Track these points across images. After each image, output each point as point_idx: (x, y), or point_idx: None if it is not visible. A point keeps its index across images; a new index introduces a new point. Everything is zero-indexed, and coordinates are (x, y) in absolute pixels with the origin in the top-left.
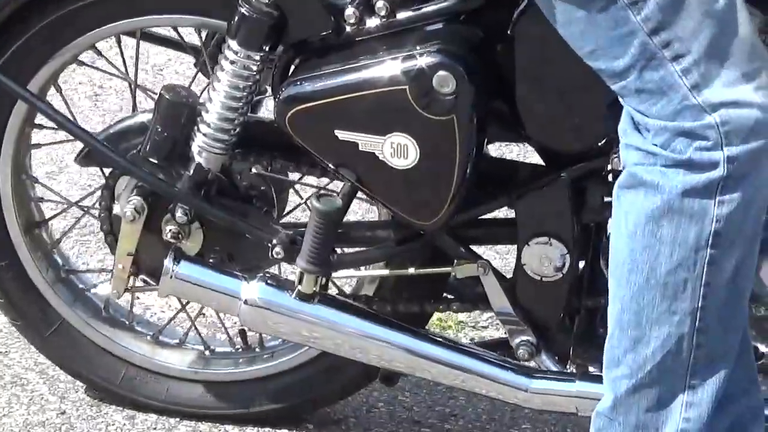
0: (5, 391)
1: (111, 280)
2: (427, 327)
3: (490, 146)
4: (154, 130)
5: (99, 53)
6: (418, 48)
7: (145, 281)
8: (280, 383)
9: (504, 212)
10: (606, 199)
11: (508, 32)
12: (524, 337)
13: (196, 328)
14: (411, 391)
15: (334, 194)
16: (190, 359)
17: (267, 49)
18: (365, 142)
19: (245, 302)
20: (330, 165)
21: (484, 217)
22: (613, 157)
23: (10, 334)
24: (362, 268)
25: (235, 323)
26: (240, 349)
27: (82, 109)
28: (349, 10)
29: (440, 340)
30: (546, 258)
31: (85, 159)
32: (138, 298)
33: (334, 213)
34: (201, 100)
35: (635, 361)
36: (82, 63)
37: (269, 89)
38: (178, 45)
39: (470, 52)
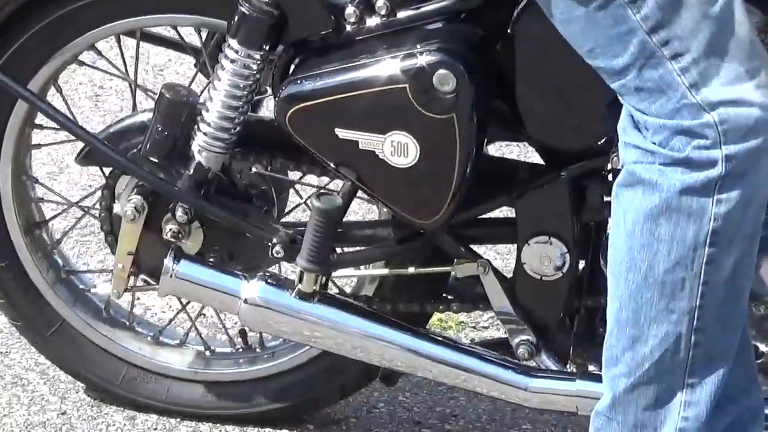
0: (6, 392)
1: (111, 280)
2: (427, 327)
3: (490, 146)
4: (154, 129)
5: (99, 53)
6: (418, 46)
7: (145, 281)
8: (280, 383)
9: (504, 212)
10: (606, 198)
11: (508, 31)
12: (524, 337)
13: (196, 329)
14: (411, 391)
15: (335, 193)
16: (190, 359)
17: (267, 48)
18: (365, 140)
19: (245, 301)
20: (330, 164)
21: (484, 216)
22: (613, 156)
23: (11, 334)
24: (362, 267)
25: (236, 323)
26: (240, 350)
27: (83, 109)
28: (350, 9)
29: (440, 339)
30: (546, 257)
31: (85, 158)
32: (138, 298)
33: (334, 212)
34: (201, 100)
35: (633, 360)
36: (82, 63)
37: (269, 89)
38: (179, 45)
39: (470, 51)
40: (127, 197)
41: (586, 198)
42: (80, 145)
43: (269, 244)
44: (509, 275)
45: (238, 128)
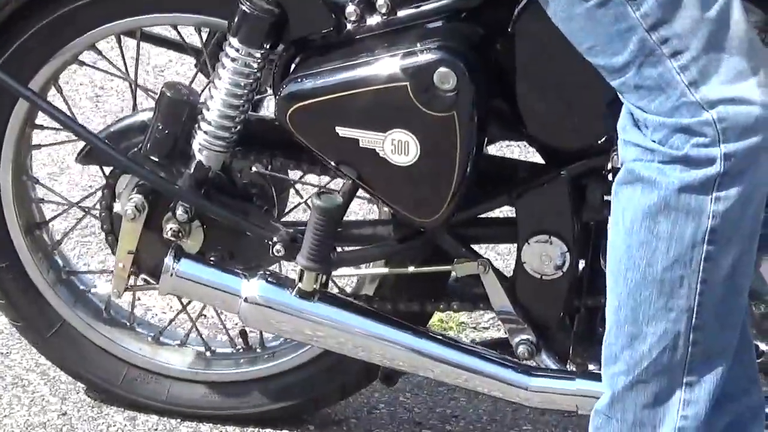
0: (6, 392)
1: (111, 280)
2: (427, 327)
3: (490, 146)
4: (155, 128)
5: (99, 53)
6: (418, 45)
7: (145, 281)
8: (281, 383)
9: (504, 213)
10: (606, 197)
11: (509, 30)
12: (524, 336)
13: (197, 329)
14: (412, 392)
15: (335, 192)
16: (191, 360)
17: (268, 46)
18: (366, 138)
19: (245, 300)
20: (330, 162)
21: (484, 216)
22: (613, 155)
23: (11, 335)
24: (362, 266)
25: (236, 324)
26: (241, 350)
27: (83, 109)
28: (350, 8)
29: (441, 338)
30: (546, 256)
31: (86, 157)
32: (139, 299)
33: (335, 210)
34: (202, 99)
35: (632, 358)
36: (82, 63)
37: (270, 90)
38: (179, 46)
39: (471, 50)
40: (127, 196)
41: (587, 197)
42: (80, 145)
43: (269, 243)
44: (509, 276)
45: (238, 127)
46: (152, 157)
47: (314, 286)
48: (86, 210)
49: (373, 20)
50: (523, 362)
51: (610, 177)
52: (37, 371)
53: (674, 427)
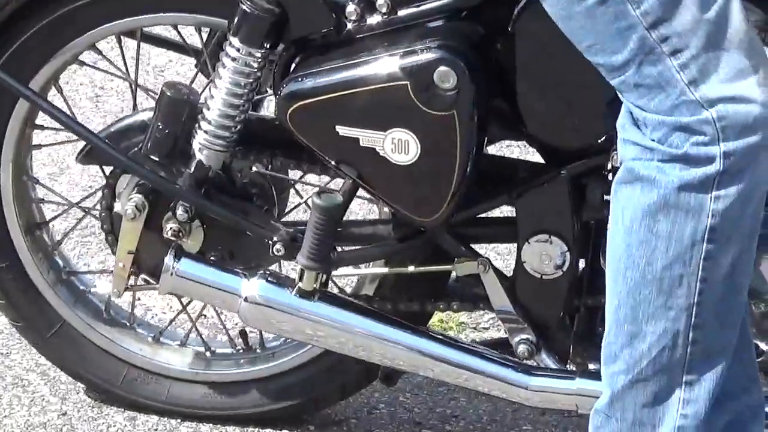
0: (6, 393)
1: (111, 279)
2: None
3: (490, 146)
4: (155, 128)
5: (100, 53)
6: (419, 44)
7: (145, 281)
8: (281, 383)
9: (504, 212)
10: (606, 197)
11: (509, 29)
12: (524, 336)
13: (197, 330)
14: (412, 392)
15: (335, 191)
16: (190, 360)
17: (268, 46)
18: (366, 137)
19: (245, 299)
20: (331, 161)
21: (484, 215)
22: (613, 155)
23: (11, 335)
24: (362, 266)
25: (236, 324)
26: (241, 350)
27: (84, 110)
28: (350, 7)
29: (442, 337)
30: (546, 256)
31: (86, 157)
32: (139, 299)
33: (335, 209)
34: (202, 98)
35: (631, 357)
36: (83, 63)
37: (270, 90)
38: (179, 46)
39: (471, 49)
40: (127, 196)
41: (587, 196)
42: (80, 145)
43: (270, 242)
44: (509, 275)
45: (239, 126)
46: (152, 157)
47: (314, 285)
48: (86, 210)
49: (373, 19)
50: (523, 362)
51: (610, 176)
52: (37, 371)
53: (674, 426)
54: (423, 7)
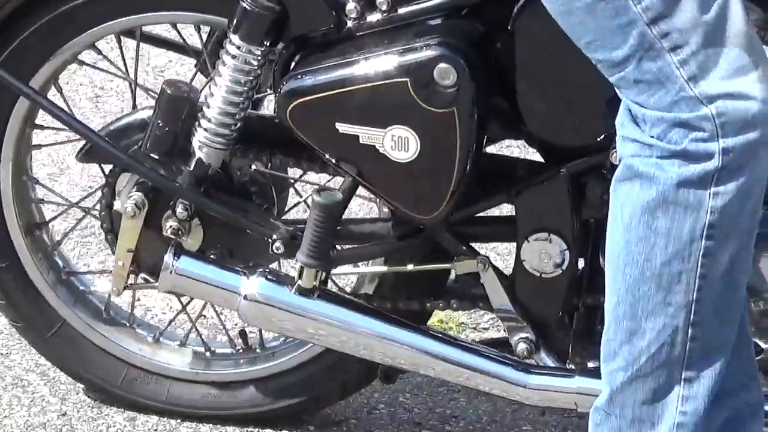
0: (6, 393)
1: (111, 278)
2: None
3: (490, 145)
4: (155, 125)
5: (99, 52)
6: (419, 41)
7: (145, 280)
8: (281, 383)
9: (504, 212)
10: (605, 196)
11: (509, 27)
12: (523, 334)
13: (196, 330)
14: (412, 392)
15: (335, 189)
16: (190, 360)
17: (268, 44)
18: (366, 135)
19: (245, 297)
20: (330, 159)
21: (483, 214)
22: (613, 153)
23: (11, 335)
24: (362, 265)
25: (236, 324)
26: (240, 350)
27: (83, 110)
28: (350, 5)
29: (441, 336)
30: (545, 254)
31: (86, 155)
32: (139, 299)
33: (335, 207)
34: (202, 96)
35: (631, 353)
36: (82, 63)
37: (269, 90)
38: (179, 46)
39: (471, 46)
40: (127, 194)
41: (586, 195)
42: (80, 146)
43: (269, 240)
44: (509, 274)
45: (238, 124)
46: (152, 155)
47: (314, 283)
48: (86, 210)
49: (373, 17)
50: (523, 360)
51: (609, 175)
52: (37, 372)
53: (673, 423)
54: (423, 5)
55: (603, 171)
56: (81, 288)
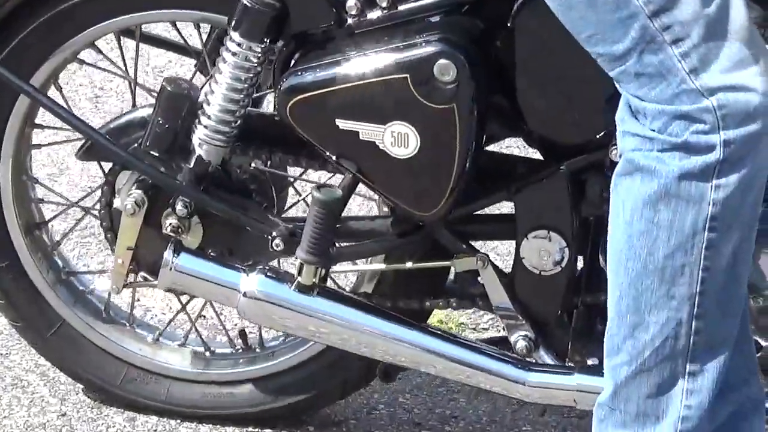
0: (6, 393)
1: (110, 276)
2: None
3: (490, 145)
4: (155, 122)
5: (99, 51)
6: (419, 37)
7: (145, 278)
8: (280, 382)
9: (504, 211)
10: (605, 193)
11: (509, 24)
12: (523, 332)
13: (196, 330)
14: (411, 393)
15: (335, 186)
16: (190, 360)
17: (269, 41)
18: (366, 131)
19: (244, 294)
20: (330, 155)
21: (483, 212)
22: (612, 150)
23: (11, 336)
24: (361, 263)
25: (236, 325)
26: (240, 350)
27: (83, 110)
28: (351, 2)
29: (440, 333)
30: (545, 252)
31: (86, 153)
32: (138, 300)
33: (334, 203)
34: (202, 93)
35: (634, 348)
36: (82, 62)
37: (269, 89)
38: (178, 47)
39: (471, 43)
40: (127, 192)
41: (586, 192)
42: (80, 146)
43: (269, 237)
44: (508, 272)
45: (238, 121)
46: (152, 152)
47: (313, 280)
48: (86, 209)
49: (373, 14)
50: (522, 358)
51: (608, 172)
52: (37, 372)
53: (678, 417)
54: (423, 2)
55: (602, 168)
56: (81, 288)
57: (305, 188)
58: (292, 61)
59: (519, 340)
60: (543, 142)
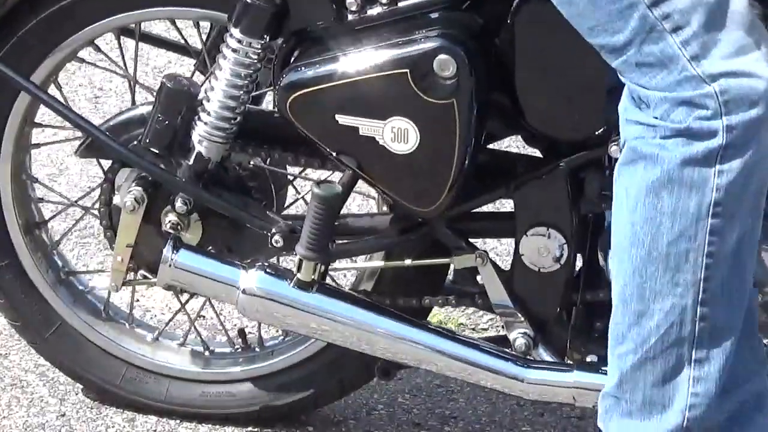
0: (5, 393)
1: (110, 273)
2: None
3: (489, 144)
4: (155, 119)
5: (99, 50)
6: (418, 33)
7: (144, 277)
8: (280, 381)
9: (504, 208)
10: (604, 190)
11: (509, 20)
12: (522, 330)
13: (196, 329)
14: (411, 393)
15: (334, 182)
16: (189, 359)
17: (269, 37)
18: (366, 126)
19: (243, 291)
20: (330, 151)
21: (482, 210)
22: (612, 146)
23: (10, 336)
24: (360, 260)
25: (235, 325)
26: (239, 349)
27: (83, 110)
28: None
29: (439, 330)
30: (544, 248)
31: (86, 150)
32: (138, 300)
33: (334, 199)
34: (202, 90)
35: (639, 335)
36: (82, 60)
37: (269, 87)
38: (178, 46)
39: (471, 38)
40: (127, 189)
41: (585, 190)
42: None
43: (268, 234)
44: (507, 269)
45: (238, 118)
46: (152, 149)
47: (313, 276)
48: (85, 209)
49: (373, 11)
50: (521, 355)
51: (608, 170)
52: (36, 372)
53: (685, 405)
54: None
55: (602, 165)
56: (80, 288)
57: (304, 186)
58: (292, 58)
59: (518, 337)
60: (542, 139)
